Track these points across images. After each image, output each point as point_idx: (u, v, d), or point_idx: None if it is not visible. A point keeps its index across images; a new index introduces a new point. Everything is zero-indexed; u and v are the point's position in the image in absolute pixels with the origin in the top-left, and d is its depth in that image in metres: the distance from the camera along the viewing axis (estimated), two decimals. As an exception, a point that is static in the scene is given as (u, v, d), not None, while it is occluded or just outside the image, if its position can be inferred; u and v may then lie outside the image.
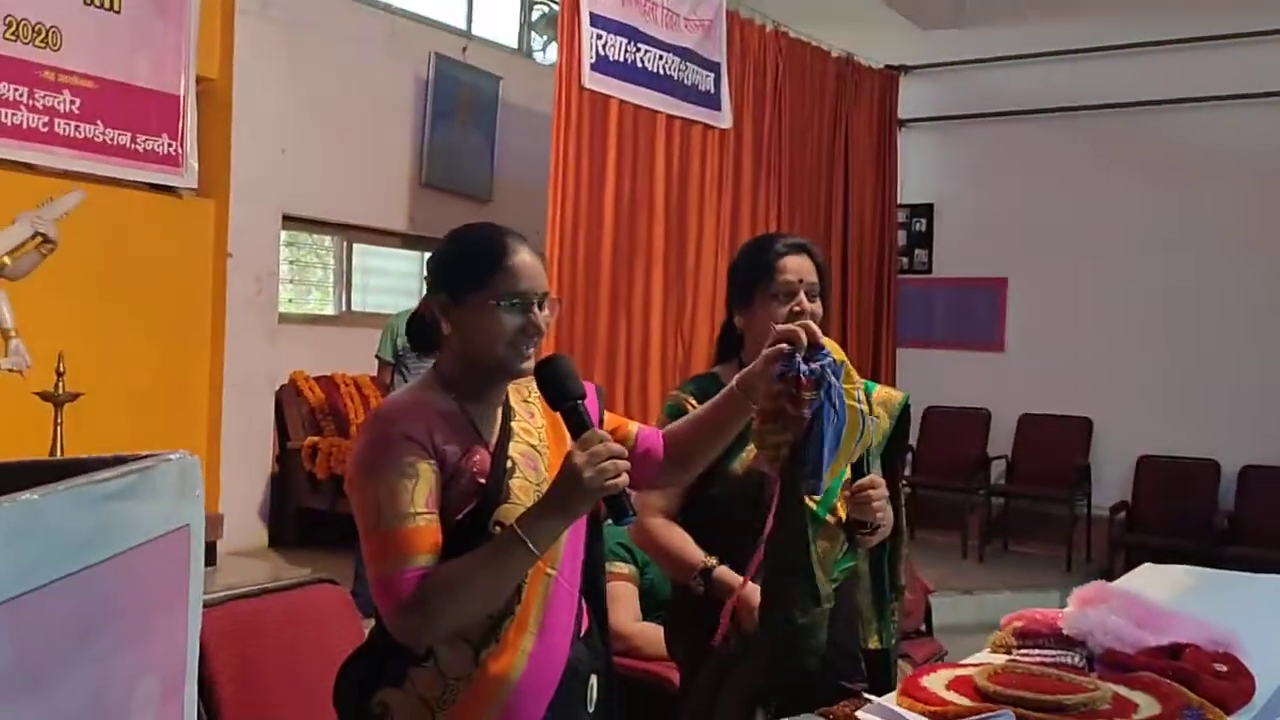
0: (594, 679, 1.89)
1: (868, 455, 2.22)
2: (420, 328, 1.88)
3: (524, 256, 1.80)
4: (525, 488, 1.79)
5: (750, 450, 2.24)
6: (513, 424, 1.85)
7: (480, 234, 1.84)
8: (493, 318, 1.76)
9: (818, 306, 2.32)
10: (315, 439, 6.66)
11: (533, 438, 1.86)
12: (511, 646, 1.75)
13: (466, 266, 1.79)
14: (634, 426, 1.96)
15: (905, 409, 2.44)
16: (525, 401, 1.90)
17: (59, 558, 0.62)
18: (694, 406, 2.25)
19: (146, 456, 0.80)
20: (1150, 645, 2.11)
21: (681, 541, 2.24)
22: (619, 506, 1.71)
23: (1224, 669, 2.04)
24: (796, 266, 2.31)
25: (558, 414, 1.84)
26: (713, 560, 2.20)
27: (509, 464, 1.80)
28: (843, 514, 2.30)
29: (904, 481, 2.42)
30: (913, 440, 7.49)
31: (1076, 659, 2.13)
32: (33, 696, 0.59)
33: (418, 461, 1.69)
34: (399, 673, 1.75)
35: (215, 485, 5.96)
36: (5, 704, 0.57)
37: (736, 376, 1.95)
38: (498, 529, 1.73)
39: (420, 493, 1.68)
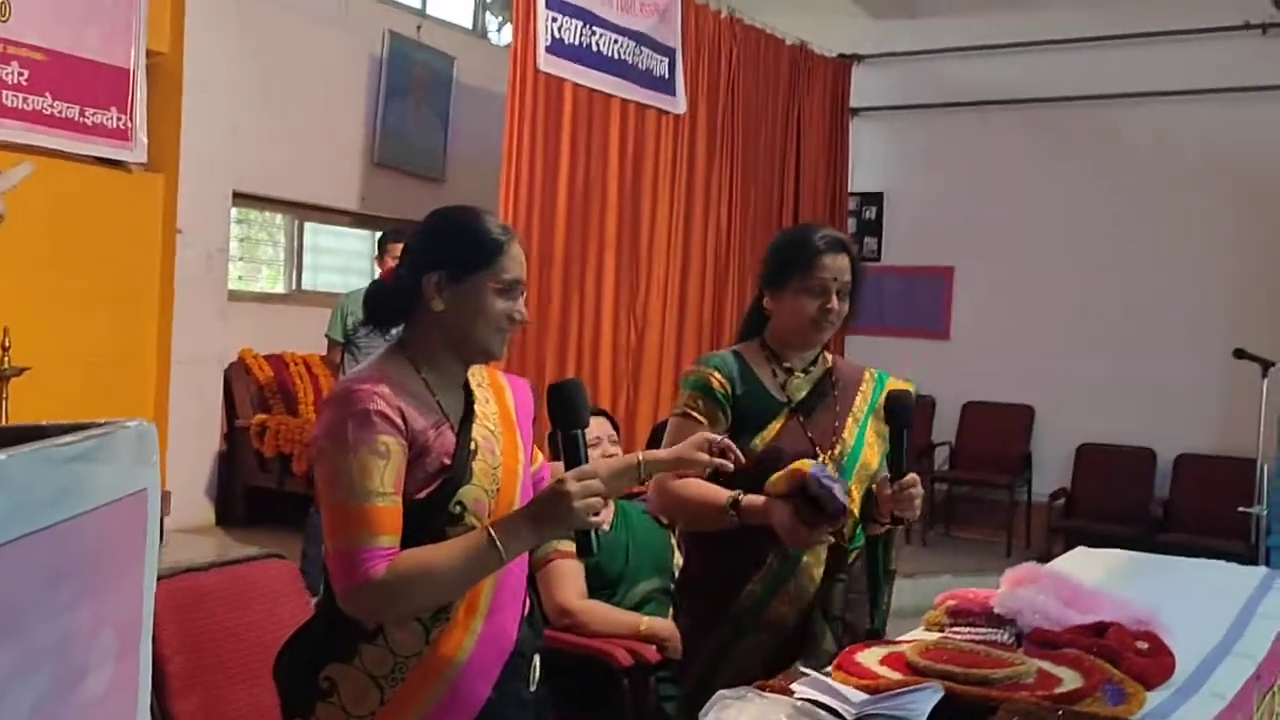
0: (536, 658, 1.94)
1: (903, 452, 2.31)
2: (384, 301, 1.89)
3: (517, 246, 1.87)
4: (485, 470, 1.83)
5: (771, 429, 2.36)
6: (475, 406, 1.89)
7: (481, 218, 1.87)
8: (487, 300, 1.81)
9: (845, 305, 2.40)
10: (264, 417, 6.64)
11: (490, 422, 1.90)
12: (462, 626, 1.78)
13: (471, 247, 1.82)
14: (540, 458, 2.02)
15: (914, 400, 2.53)
16: (480, 386, 1.94)
17: (25, 515, 0.65)
18: (720, 384, 2.34)
19: (106, 423, 0.83)
20: (1076, 624, 2.18)
21: (704, 487, 2.30)
22: (586, 542, 1.77)
23: (1146, 647, 2.11)
24: (834, 265, 2.38)
25: (509, 403, 1.92)
26: (737, 492, 2.25)
27: (472, 445, 1.83)
28: (857, 498, 2.38)
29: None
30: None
31: (1006, 636, 2.20)
32: (11, 642, 0.62)
33: (390, 440, 1.72)
34: (349, 648, 1.76)
35: (162, 462, 5.91)
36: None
37: (645, 456, 2.07)
38: (459, 508, 1.77)
39: (389, 473, 1.71)
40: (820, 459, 2.34)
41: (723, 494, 2.27)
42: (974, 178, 8.21)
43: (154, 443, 0.86)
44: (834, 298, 2.37)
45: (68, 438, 0.73)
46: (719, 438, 2.10)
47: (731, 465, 2.06)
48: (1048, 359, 7.87)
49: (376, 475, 1.70)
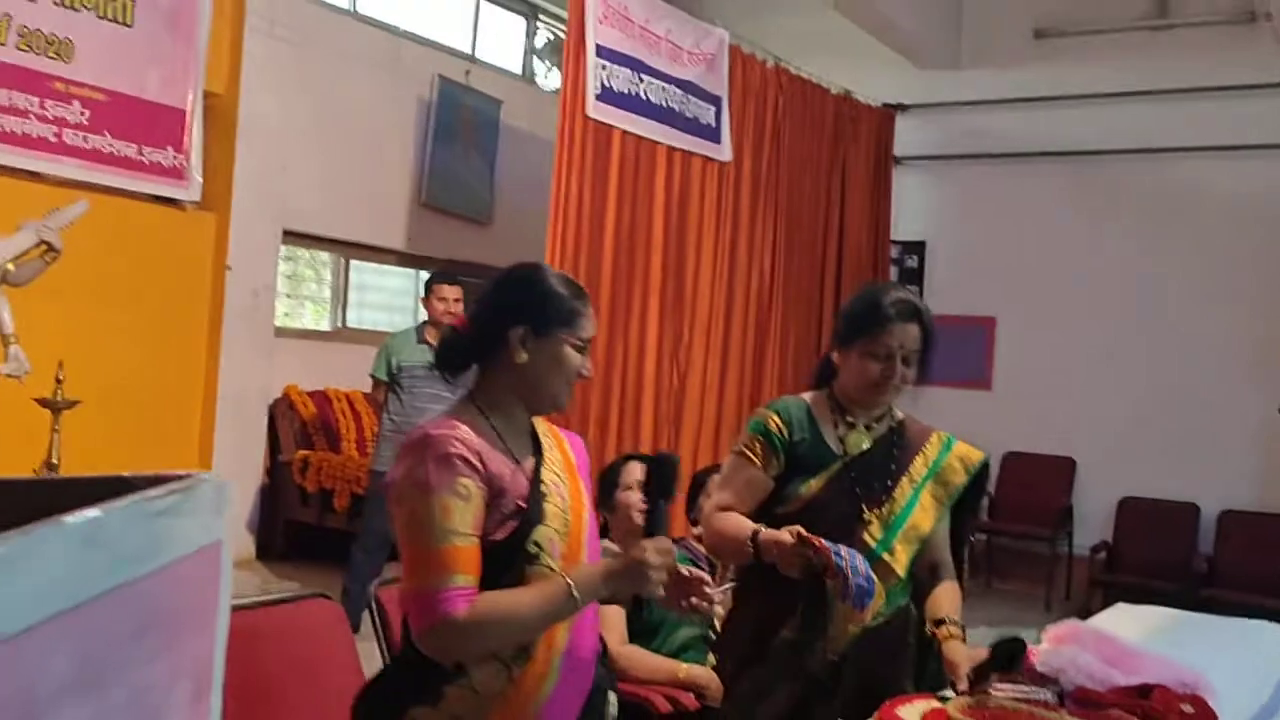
0: (611, 695, 2.01)
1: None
2: (460, 347, 1.97)
3: (591, 309, 2.00)
4: (556, 512, 1.90)
5: (820, 479, 2.38)
6: (544, 452, 1.97)
7: (566, 279, 1.99)
8: (566, 355, 1.93)
9: (912, 372, 2.41)
10: (306, 453, 6.71)
11: (556, 467, 1.98)
12: (543, 663, 1.84)
13: (556, 305, 1.93)
14: None
15: (984, 468, 2.55)
16: (544, 435, 2.03)
17: (118, 568, 0.68)
18: (779, 428, 2.39)
19: (185, 476, 0.86)
20: (1120, 684, 2.17)
21: (734, 520, 2.32)
22: (642, 604, 1.85)
23: (1190, 710, 2.10)
24: (902, 333, 2.38)
25: (567, 450, 2.01)
26: (760, 525, 2.27)
27: (543, 488, 1.91)
28: (903, 559, 2.39)
29: (973, 536, 2.55)
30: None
31: (1049, 695, 2.19)
32: (91, 697, 0.65)
33: (470, 483, 1.80)
34: (433, 690, 1.81)
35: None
36: (73, 705, 0.63)
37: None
38: (535, 548, 1.85)
39: (469, 514, 1.78)
40: (866, 516, 2.36)
41: (748, 527, 2.29)
42: (1016, 228, 8.21)
43: (228, 495, 0.89)
44: (898, 364, 2.38)
45: (155, 491, 0.76)
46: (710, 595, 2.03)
47: (708, 610, 2.05)
48: (1090, 411, 7.82)
49: (456, 515, 1.77)
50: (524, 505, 1.86)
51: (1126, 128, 7.76)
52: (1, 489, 0.89)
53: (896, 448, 2.48)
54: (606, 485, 3.42)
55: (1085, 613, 6.65)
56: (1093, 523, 7.65)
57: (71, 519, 0.64)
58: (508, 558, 1.82)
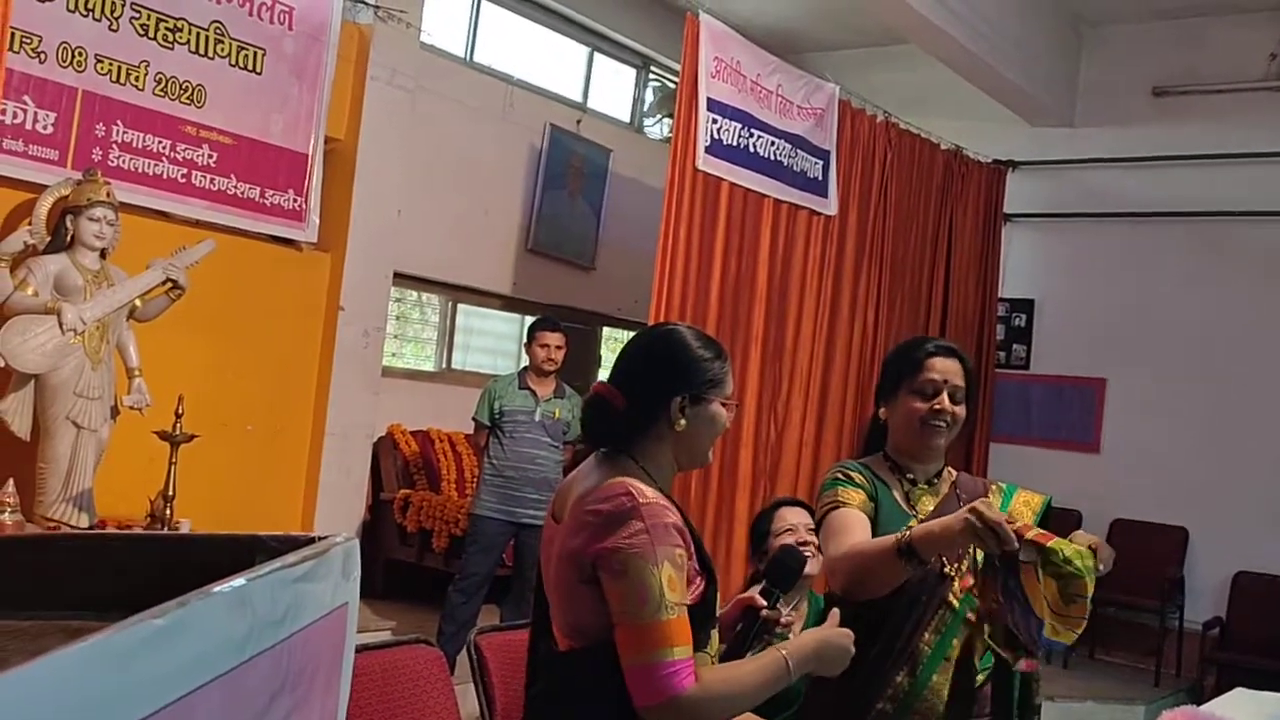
0: None
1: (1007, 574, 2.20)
2: (621, 422, 1.94)
3: (730, 363, 2.02)
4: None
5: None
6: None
7: (701, 336, 2.02)
8: (717, 415, 1.97)
9: (961, 410, 2.40)
10: (408, 492, 6.79)
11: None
12: None
13: (709, 370, 1.96)
14: None
15: (1048, 508, 2.51)
16: None
17: (260, 634, 0.70)
18: (863, 480, 2.36)
19: (317, 539, 0.88)
20: (1239, 776, 2.09)
21: (871, 541, 2.24)
22: None
23: (1315, 807, 2.01)
24: (943, 367, 2.39)
25: None
26: (904, 533, 2.17)
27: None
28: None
29: None
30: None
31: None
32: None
33: (681, 553, 1.81)
34: None
35: (309, 530, 6.09)
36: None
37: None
38: (713, 610, 1.90)
39: (681, 584, 1.79)
40: (949, 571, 2.31)
41: (890, 538, 2.18)
42: (1129, 289, 8.03)
43: (357, 559, 0.91)
44: (945, 398, 2.36)
45: (293, 557, 0.78)
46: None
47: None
48: (1204, 479, 7.57)
49: (680, 586, 1.78)
50: (700, 569, 1.87)
51: (1245, 188, 7.57)
52: (142, 544, 0.92)
53: (960, 503, 2.41)
54: (759, 534, 3.37)
55: (1198, 691, 6.43)
56: (1205, 597, 7.38)
57: (220, 588, 0.66)
58: (700, 620, 1.83)
